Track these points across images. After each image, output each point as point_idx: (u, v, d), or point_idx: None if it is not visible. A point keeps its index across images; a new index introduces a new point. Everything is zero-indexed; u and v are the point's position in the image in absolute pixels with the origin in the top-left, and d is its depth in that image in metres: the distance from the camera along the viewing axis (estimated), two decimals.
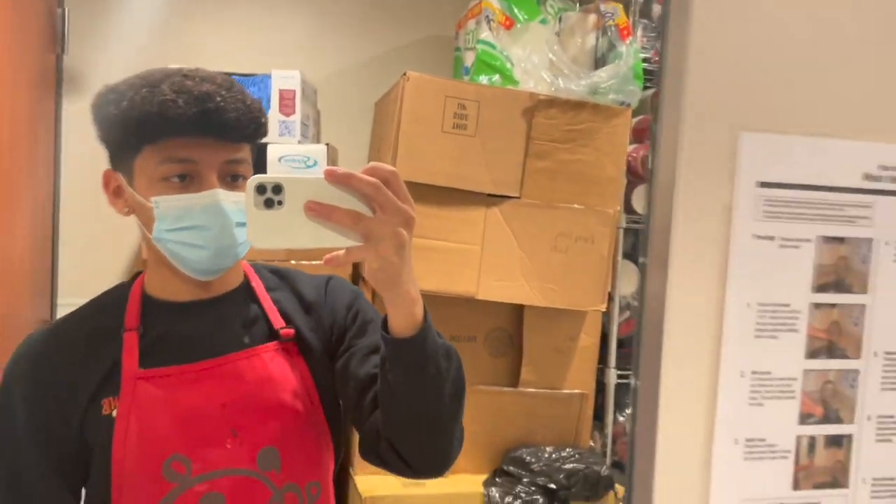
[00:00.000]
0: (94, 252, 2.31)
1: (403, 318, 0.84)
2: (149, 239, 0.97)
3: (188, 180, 0.93)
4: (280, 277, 1.10)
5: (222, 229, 0.93)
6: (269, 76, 2.19)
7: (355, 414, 0.98)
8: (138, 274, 1.05)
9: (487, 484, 2.03)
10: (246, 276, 1.07)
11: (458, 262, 1.94)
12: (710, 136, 0.84)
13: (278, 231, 0.75)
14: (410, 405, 0.88)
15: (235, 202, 0.94)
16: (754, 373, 0.87)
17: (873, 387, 0.91)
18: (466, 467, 2.05)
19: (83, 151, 2.24)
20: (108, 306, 1.01)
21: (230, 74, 1.01)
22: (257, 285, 1.06)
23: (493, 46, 1.98)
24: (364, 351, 0.99)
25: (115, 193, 0.99)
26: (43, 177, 2.12)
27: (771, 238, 0.86)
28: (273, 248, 0.79)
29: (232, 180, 0.96)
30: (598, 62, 2.18)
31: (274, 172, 0.75)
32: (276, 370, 0.98)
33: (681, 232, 0.83)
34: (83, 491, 0.98)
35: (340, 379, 1.01)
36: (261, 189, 0.74)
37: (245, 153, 0.97)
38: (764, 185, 0.85)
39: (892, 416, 0.91)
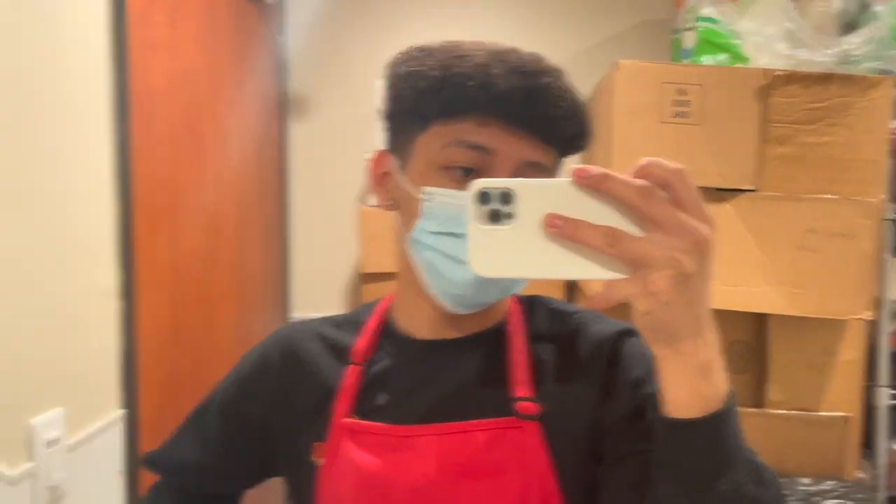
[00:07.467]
0: (322, 268, 2.40)
1: (685, 391, 0.55)
2: (404, 245, 0.79)
3: (473, 175, 0.71)
4: (561, 320, 0.84)
5: None
6: None
7: None
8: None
9: None
10: (508, 315, 0.84)
11: None
12: None
13: (507, 254, 0.54)
14: None
15: None
16: None
17: None
18: None
19: (310, 171, 2.37)
20: (351, 323, 0.88)
21: None
22: (517, 330, 0.81)
23: (716, 22, 1.75)
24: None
25: (381, 180, 0.81)
26: (272, 195, 2.24)
27: None
28: (498, 276, 0.56)
29: None
30: (847, 28, 1.86)
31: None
32: (500, 455, 0.74)
33: None
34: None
35: (606, 490, 0.74)
36: (483, 197, 0.54)
37: (551, 161, 0.75)
38: None
39: None
